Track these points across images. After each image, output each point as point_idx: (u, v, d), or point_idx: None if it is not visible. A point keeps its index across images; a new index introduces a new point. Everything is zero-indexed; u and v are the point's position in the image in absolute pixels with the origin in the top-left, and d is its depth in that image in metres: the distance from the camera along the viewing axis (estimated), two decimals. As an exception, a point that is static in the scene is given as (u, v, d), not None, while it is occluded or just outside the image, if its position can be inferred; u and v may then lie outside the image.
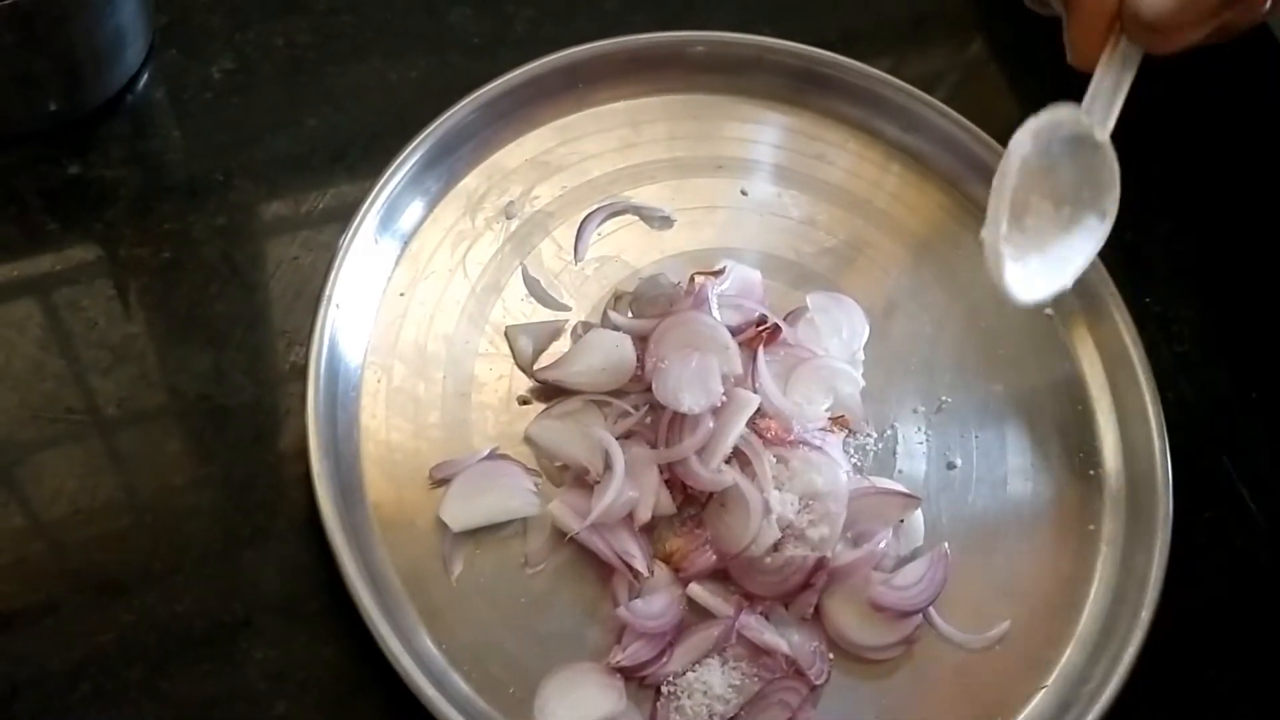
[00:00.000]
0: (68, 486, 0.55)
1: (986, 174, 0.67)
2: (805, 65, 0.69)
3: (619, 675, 0.53)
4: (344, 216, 0.61)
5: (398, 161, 0.61)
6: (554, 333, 0.61)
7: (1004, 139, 0.66)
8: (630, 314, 0.62)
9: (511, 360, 0.60)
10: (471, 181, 0.64)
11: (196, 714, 0.52)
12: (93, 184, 0.62)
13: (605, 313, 0.61)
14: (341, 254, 0.59)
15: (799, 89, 0.69)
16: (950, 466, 0.61)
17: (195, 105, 0.65)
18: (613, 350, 0.59)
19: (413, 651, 0.51)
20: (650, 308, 0.62)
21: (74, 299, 0.59)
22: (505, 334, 0.61)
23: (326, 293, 0.58)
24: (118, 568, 0.54)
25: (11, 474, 0.56)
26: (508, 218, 0.64)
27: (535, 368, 0.60)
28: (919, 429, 0.62)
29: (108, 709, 0.52)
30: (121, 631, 0.53)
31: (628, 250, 0.64)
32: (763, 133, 0.69)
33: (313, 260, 0.62)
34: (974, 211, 0.68)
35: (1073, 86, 0.75)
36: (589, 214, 0.65)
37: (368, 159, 0.64)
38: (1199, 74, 0.76)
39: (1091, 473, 0.62)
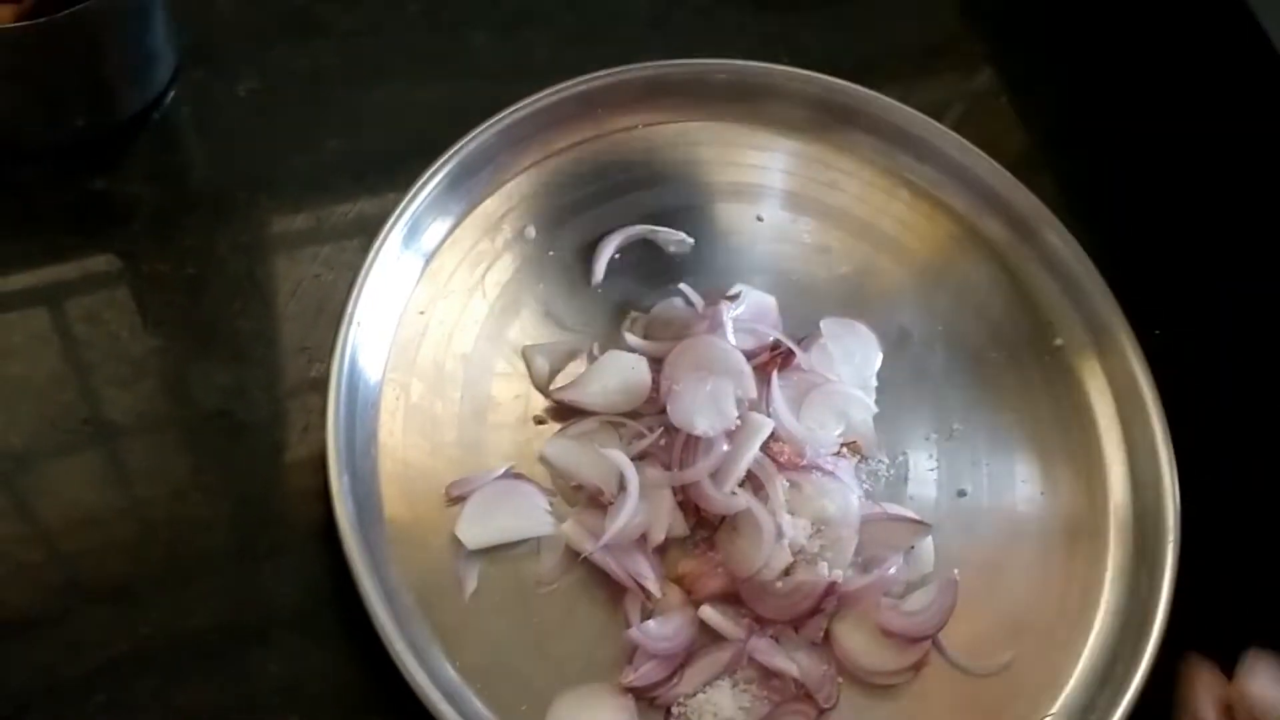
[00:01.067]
0: (85, 498, 0.56)
1: (997, 205, 0.68)
2: (821, 94, 0.70)
3: (630, 696, 0.54)
4: (364, 235, 0.62)
5: (421, 181, 0.62)
6: (570, 354, 0.62)
7: (1013, 170, 0.68)
8: (645, 337, 0.62)
9: (528, 380, 0.61)
10: (491, 204, 0.65)
11: (209, 726, 0.52)
12: (118, 199, 0.63)
13: (622, 334, 0.62)
14: (365, 272, 0.59)
15: (814, 118, 0.70)
16: (960, 494, 0.61)
17: (220, 124, 0.66)
18: (629, 372, 0.59)
19: (426, 668, 0.52)
20: (665, 330, 0.62)
21: (96, 312, 0.60)
22: (522, 354, 0.61)
23: (349, 310, 0.58)
24: (132, 579, 0.55)
25: (29, 484, 0.56)
26: (526, 240, 0.65)
27: (551, 388, 0.60)
28: (930, 456, 0.62)
29: (121, 719, 0.52)
30: (136, 643, 0.53)
31: (644, 273, 0.65)
32: (778, 160, 0.70)
33: (334, 278, 0.62)
34: (984, 242, 0.68)
35: (1081, 121, 0.76)
36: (606, 237, 0.65)
37: (388, 180, 0.64)
38: (1207, 105, 0.77)
39: (1100, 503, 0.62)
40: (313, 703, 0.53)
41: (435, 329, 0.61)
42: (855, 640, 0.56)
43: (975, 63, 0.77)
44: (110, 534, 0.56)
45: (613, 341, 0.62)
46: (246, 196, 0.64)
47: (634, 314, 0.63)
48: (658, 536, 0.56)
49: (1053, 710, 0.56)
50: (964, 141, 0.69)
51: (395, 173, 0.64)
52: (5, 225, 0.61)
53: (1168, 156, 0.74)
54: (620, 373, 0.60)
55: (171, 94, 0.66)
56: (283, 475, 0.58)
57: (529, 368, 0.61)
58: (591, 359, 0.61)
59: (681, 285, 0.64)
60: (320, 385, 0.57)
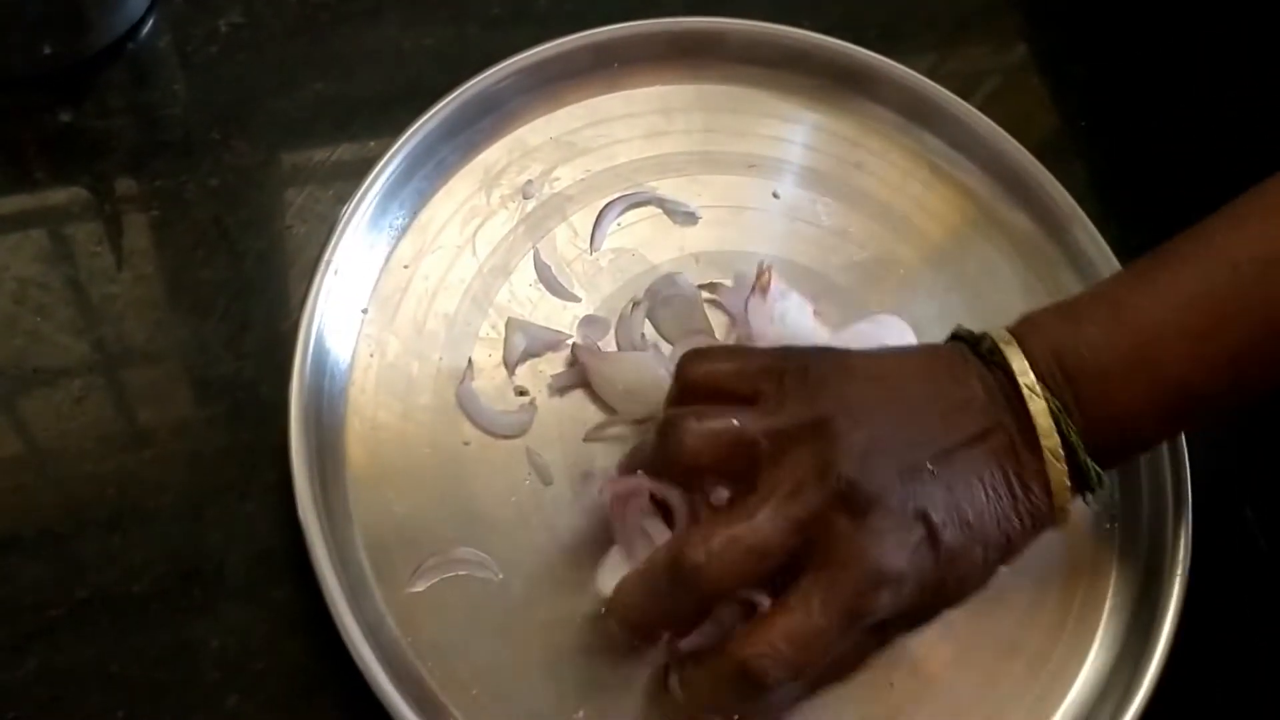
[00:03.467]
0: (27, 450, 0.53)
1: (1025, 196, 0.64)
2: (851, 66, 0.66)
3: None
4: (342, 187, 0.59)
5: (417, 125, 0.59)
6: (553, 344, 0.58)
7: (1039, 152, 0.64)
8: (649, 321, 0.59)
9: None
10: (491, 155, 0.62)
11: (144, 700, 0.49)
12: (86, 134, 0.60)
13: (629, 326, 0.58)
14: (347, 214, 0.56)
15: (842, 91, 0.66)
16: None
17: (198, 59, 0.63)
18: (652, 386, 0.56)
19: (375, 642, 0.49)
20: (665, 309, 0.59)
21: (55, 254, 0.57)
22: (506, 323, 0.58)
23: (326, 256, 0.55)
24: (75, 541, 0.52)
25: (-30, 432, 0.53)
26: (524, 197, 0.61)
27: (574, 342, 0.58)
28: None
29: (54, 688, 0.49)
30: (74, 607, 0.51)
31: (646, 244, 0.61)
32: (801, 133, 0.66)
33: (307, 231, 0.59)
34: (1008, 236, 0.64)
35: (1116, 107, 0.72)
36: (610, 202, 0.62)
37: (373, 128, 0.61)
38: (1251, 100, 0.72)
39: (1108, 526, 0.58)
40: (255, 681, 0.50)
41: (419, 285, 0.58)
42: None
43: (1008, 37, 0.73)
44: (54, 490, 0.53)
45: (606, 313, 0.59)
46: (220, 138, 0.60)
47: (635, 298, 0.59)
48: None
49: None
50: (1000, 130, 0.65)
51: (380, 121, 0.61)
52: (-33, 156, 0.59)
53: (1207, 151, 0.70)
54: (643, 379, 0.57)
55: (148, 25, 0.62)
56: (240, 438, 0.55)
57: (506, 339, 0.58)
58: (569, 361, 0.58)
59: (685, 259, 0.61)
60: (285, 343, 0.54)
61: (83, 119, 0.60)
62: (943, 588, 0.47)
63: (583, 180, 0.62)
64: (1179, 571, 0.55)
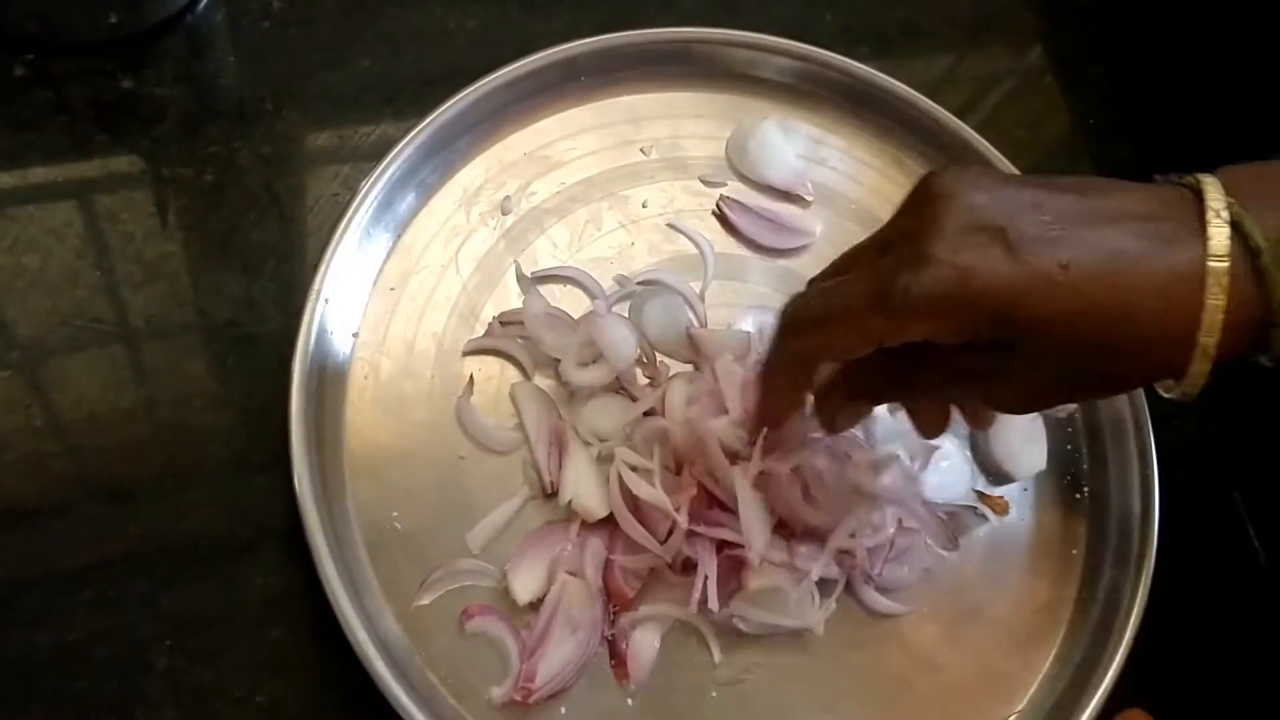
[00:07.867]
0: (89, 394, 0.56)
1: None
2: (812, 70, 0.68)
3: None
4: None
5: (394, 152, 0.60)
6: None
7: (1052, 153, 0.66)
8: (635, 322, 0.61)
9: (502, 361, 0.60)
10: (468, 174, 0.63)
11: (192, 631, 0.53)
12: (144, 100, 0.62)
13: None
14: (333, 246, 0.58)
15: (805, 91, 0.68)
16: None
17: (253, 32, 0.65)
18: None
19: (390, 660, 0.51)
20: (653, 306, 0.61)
21: (114, 211, 0.60)
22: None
23: (315, 286, 0.57)
24: (130, 479, 0.55)
25: (36, 377, 0.57)
26: (503, 213, 0.63)
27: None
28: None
29: (109, 616, 0.53)
30: (128, 542, 0.54)
31: (624, 252, 0.63)
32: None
33: (351, 199, 0.61)
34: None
35: (1127, 104, 0.74)
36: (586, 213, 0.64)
37: (417, 104, 0.64)
38: (1267, 109, 0.74)
39: (1078, 497, 0.61)
40: (295, 616, 0.54)
41: (406, 305, 0.60)
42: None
43: (1025, 37, 0.76)
44: (112, 433, 0.56)
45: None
46: (272, 108, 0.63)
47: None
48: None
49: (1018, 709, 0.56)
50: (966, 127, 0.66)
51: (424, 98, 0.64)
52: (35, 117, 0.61)
53: (1216, 150, 0.71)
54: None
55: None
56: (286, 390, 0.57)
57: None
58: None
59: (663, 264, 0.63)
60: (329, 304, 0.57)
61: (142, 86, 0.62)
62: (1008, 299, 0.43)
63: (558, 193, 0.64)
64: (1150, 546, 0.58)
